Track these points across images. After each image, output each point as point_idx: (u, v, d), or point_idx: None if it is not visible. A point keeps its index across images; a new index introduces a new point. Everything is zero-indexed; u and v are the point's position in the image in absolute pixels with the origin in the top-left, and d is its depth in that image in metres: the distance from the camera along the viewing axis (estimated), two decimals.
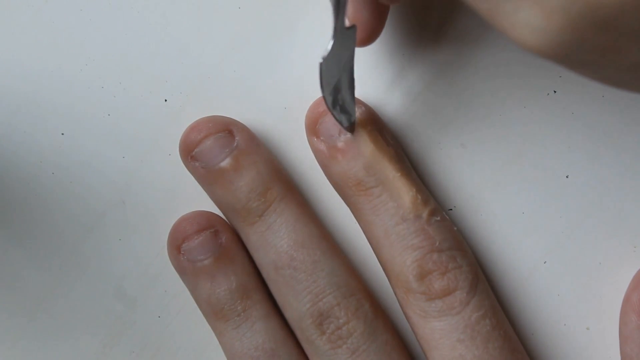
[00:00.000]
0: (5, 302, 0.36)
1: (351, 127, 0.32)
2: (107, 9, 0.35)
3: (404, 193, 0.32)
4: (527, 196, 0.34)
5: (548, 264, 0.34)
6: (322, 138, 0.33)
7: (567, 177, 0.34)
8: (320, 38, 0.34)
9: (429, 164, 0.34)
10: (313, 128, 0.33)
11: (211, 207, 0.35)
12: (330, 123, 0.33)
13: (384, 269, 0.33)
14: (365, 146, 0.32)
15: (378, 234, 0.33)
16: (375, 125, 0.33)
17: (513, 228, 0.34)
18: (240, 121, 0.34)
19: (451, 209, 0.34)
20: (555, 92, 0.34)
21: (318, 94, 0.34)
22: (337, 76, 0.30)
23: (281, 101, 0.35)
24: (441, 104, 0.34)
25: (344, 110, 0.32)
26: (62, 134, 0.35)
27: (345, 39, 0.30)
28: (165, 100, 0.35)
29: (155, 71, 0.35)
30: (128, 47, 0.35)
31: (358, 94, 0.33)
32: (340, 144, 0.33)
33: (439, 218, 0.32)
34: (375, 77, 0.34)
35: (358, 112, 0.33)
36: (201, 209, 0.35)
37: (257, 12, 0.35)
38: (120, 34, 0.35)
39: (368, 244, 0.34)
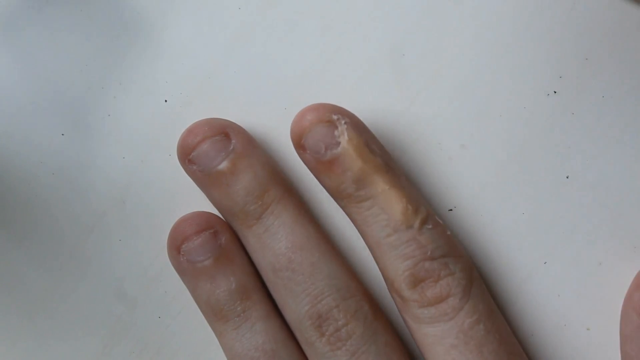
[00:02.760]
0: (5, 302, 0.36)
1: None
2: (107, 9, 0.35)
3: (394, 205, 0.32)
4: (527, 196, 0.34)
5: (548, 265, 0.34)
6: (308, 152, 0.33)
7: (567, 177, 0.34)
8: (320, 38, 0.34)
9: (429, 165, 0.34)
10: (299, 142, 0.33)
11: (211, 208, 0.35)
12: (316, 137, 0.33)
13: (382, 274, 0.33)
14: (352, 161, 0.32)
15: (371, 243, 0.33)
16: (362, 137, 0.33)
17: (513, 228, 0.34)
18: (240, 122, 0.34)
19: (451, 210, 0.34)
20: (555, 92, 0.34)
21: (318, 95, 0.34)
22: None
23: (281, 101, 0.35)
24: (441, 104, 0.34)
25: None
26: (62, 134, 0.35)
27: None
28: (165, 101, 0.35)
29: (155, 71, 0.35)
30: (128, 47, 0.35)
31: (357, 96, 0.33)
32: (326, 159, 0.33)
33: (430, 226, 0.32)
34: (375, 77, 0.34)
35: (344, 124, 0.32)
36: (201, 209, 0.35)
37: (257, 12, 0.35)
38: (120, 34, 0.35)
39: (366, 245, 0.34)
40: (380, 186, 0.32)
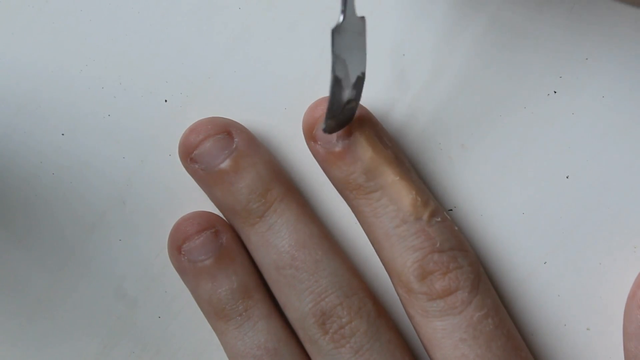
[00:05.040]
0: (5, 302, 0.36)
1: (338, 127, 0.32)
2: (107, 9, 0.35)
3: (404, 196, 0.32)
4: (527, 196, 0.34)
5: (548, 264, 0.34)
6: (320, 143, 0.33)
7: (567, 177, 0.34)
8: (320, 38, 0.34)
9: (429, 164, 0.34)
10: (310, 133, 0.33)
11: (212, 207, 0.35)
12: None
13: (386, 269, 0.33)
14: (364, 151, 0.32)
15: (379, 235, 0.33)
16: (373, 129, 0.33)
17: (513, 228, 0.34)
18: (241, 121, 0.34)
19: (451, 209, 0.34)
20: (555, 92, 0.34)
21: (318, 94, 0.34)
22: (346, 67, 0.30)
23: (281, 101, 0.35)
24: (441, 104, 0.34)
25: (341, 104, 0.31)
26: (62, 134, 0.35)
27: (356, 27, 0.30)
28: (165, 101, 0.35)
29: (155, 71, 0.35)
30: (128, 47, 0.35)
31: None
32: (338, 149, 0.33)
33: (439, 219, 0.32)
34: (375, 77, 0.34)
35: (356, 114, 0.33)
36: (202, 209, 0.35)
37: (257, 12, 0.35)
38: (120, 34, 0.35)
39: (369, 243, 0.34)
40: (390, 177, 0.32)
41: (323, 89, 0.34)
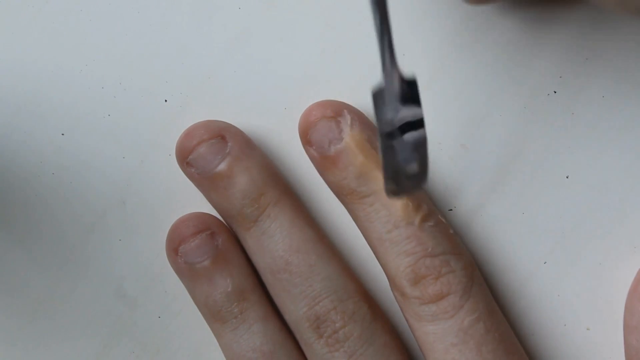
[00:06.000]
0: (6, 302, 0.36)
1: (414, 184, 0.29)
2: (107, 9, 0.35)
3: (395, 201, 0.32)
4: (527, 196, 0.34)
5: (548, 264, 0.34)
6: (314, 147, 0.33)
7: (567, 177, 0.34)
8: (320, 38, 0.34)
9: (429, 164, 0.34)
10: (305, 137, 0.33)
11: (211, 208, 0.35)
12: (320, 132, 0.33)
13: (384, 271, 0.33)
14: (355, 156, 0.32)
15: (373, 240, 0.33)
16: (364, 132, 0.33)
17: (513, 228, 0.34)
18: (240, 122, 0.34)
19: (451, 210, 0.34)
20: (555, 92, 0.34)
21: (318, 95, 0.34)
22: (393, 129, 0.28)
23: (281, 101, 0.35)
24: (441, 104, 0.34)
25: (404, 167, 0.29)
26: (62, 134, 0.35)
27: (405, 95, 0.28)
28: (165, 101, 0.35)
29: (155, 71, 0.35)
30: (128, 47, 0.35)
31: (358, 97, 0.33)
32: (331, 154, 0.33)
33: (432, 223, 0.32)
34: (375, 77, 0.34)
35: (349, 120, 0.33)
36: (201, 209, 0.35)
37: (257, 12, 0.34)
38: (120, 34, 0.35)
39: (366, 245, 0.34)
40: (381, 182, 0.32)
41: (323, 90, 0.34)
